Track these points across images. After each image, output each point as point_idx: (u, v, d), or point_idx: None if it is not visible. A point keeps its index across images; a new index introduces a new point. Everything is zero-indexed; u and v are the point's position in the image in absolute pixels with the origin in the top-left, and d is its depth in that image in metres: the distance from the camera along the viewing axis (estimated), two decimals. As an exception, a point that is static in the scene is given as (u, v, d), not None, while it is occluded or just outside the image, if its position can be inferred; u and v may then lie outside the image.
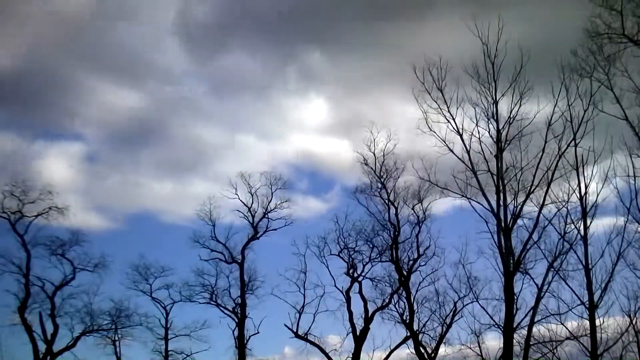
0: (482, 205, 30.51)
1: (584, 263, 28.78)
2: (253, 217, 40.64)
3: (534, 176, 29.78)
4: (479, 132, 30.51)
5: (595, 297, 28.49)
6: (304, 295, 37.86)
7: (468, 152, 30.63)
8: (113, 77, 59.83)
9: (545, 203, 29.71)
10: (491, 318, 31.58)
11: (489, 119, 30.37)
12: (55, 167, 53.54)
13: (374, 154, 35.74)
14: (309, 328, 37.62)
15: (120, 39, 58.87)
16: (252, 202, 40.56)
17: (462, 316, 34.39)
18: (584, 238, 28.97)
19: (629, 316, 28.82)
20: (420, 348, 34.46)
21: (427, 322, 35.27)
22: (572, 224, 29.55)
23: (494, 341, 32.27)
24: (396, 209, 35.87)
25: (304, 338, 37.43)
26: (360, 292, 37.20)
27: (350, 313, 36.83)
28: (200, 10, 55.98)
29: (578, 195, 29.32)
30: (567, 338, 29.81)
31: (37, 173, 50.73)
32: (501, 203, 29.98)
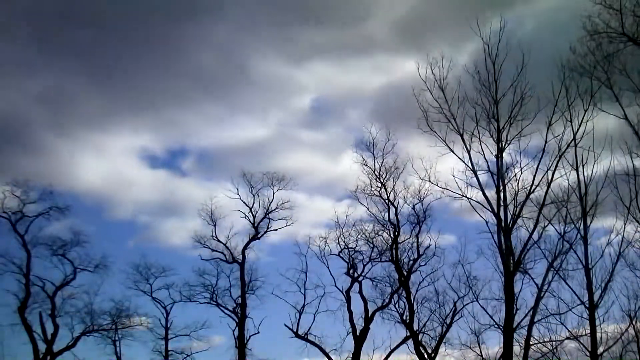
0: (482, 205, 30.55)
1: (584, 263, 28.73)
2: (254, 217, 40.77)
3: (534, 176, 29.77)
4: (479, 132, 30.49)
5: (595, 297, 28.44)
6: (304, 295, 37.93)
7: (468, 151, 30.63)
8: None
9: (545, 203, 29.66)
10: (491, 318, 31.48)
11: (489, 119, 30.36)
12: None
13: (374, 154, 35.81)
14: (309, 328, 37.68)
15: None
16: (254, 202, 40.71)
17: (462, 316, 34.32)
18: (584, 238, 28.92)
19: (629, 316, 28.83)
20: (420, 348, 34.43)
21: (427, 322, 35.28)
22: (572, 224, 29.54)
23: (494, 341, 32.28)
24: (396, 209, 35.88)
25: (304, 338, 37.41)
26: (360, 292, 37.23)
27: (350, 313, 36.84)
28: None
29: (578, 195, 29.27)
30: (567, 338, 29.75)
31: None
32: (501, 203, 29.99)
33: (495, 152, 30.22)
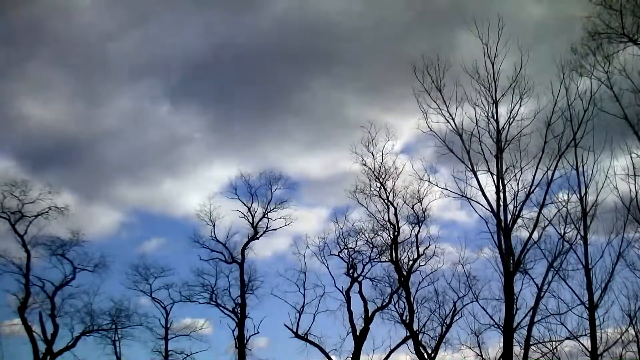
0: (482, 205, 30.54)
1: (583, 263, 28.71)
2: (253, 217, 40.73)
3: (534, 176, 29.81)
4: (478, 132, 30.49)
5: (595, 297, 28.43)
6: (304, 295, 37.92)
7: (468, 152, 30.60)
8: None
9: (545, 203, 29.73)
10: (491, 318, 31.55)
11: (488, 119, 30.37)
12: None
13: (373, 154, 35.77)
14: (309, 328, 37.66)
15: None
16: (252, 202, 40.67)
17: (461, 316, 34.40)
18: (584, 238, 28.90)
19: (629, 316, 28.82)
20: (420, 348, 34.43)
21: (426, 322, 35.31)
22: (572, 224, 29.50)
23: (494, 341, 32.28)
24: (395, 209, 35.86)
25: (304, 338, 37.39)
26: (360, 292, 37.19)
27: (350, 313, 36.82)
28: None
29: (578, 195, 29.28)
30: (567, 338, 29.73)
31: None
32: (501, 203, 29.97)
33: (494, 153, 30.22)
